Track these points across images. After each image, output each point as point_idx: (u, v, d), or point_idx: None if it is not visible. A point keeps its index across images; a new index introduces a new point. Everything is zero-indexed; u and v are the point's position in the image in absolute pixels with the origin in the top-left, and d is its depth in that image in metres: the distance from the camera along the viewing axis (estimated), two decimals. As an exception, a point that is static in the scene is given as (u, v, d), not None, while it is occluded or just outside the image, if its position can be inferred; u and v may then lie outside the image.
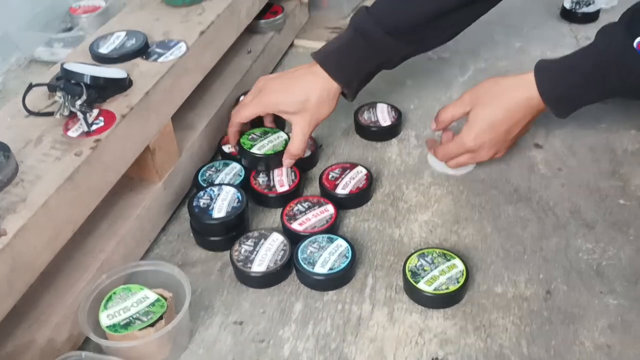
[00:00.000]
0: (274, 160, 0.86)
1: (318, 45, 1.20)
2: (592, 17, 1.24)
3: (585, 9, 1.24)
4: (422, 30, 0.85)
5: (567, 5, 1.25)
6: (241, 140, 0.87)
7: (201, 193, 0.80)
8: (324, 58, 0.85)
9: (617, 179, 0.87)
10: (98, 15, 1.22)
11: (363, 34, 0.84)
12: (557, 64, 0.80)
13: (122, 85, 0.74)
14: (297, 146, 0.84)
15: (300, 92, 0.83)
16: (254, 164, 0.86)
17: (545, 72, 0.79)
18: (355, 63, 0.85)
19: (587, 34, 1.21)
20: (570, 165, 0.90)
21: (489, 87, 0.83)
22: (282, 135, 0.89)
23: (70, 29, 1.26)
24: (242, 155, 0.87)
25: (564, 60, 0.80)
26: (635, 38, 0.73)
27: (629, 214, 0.82)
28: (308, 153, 0.91)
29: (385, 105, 1.00)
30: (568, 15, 1.25)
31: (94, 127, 0.69)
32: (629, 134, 0.95)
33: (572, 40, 1.20)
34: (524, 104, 0.80)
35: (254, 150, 0.85)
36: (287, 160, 0.85)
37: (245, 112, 0.85)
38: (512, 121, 0.81)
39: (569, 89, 0.79)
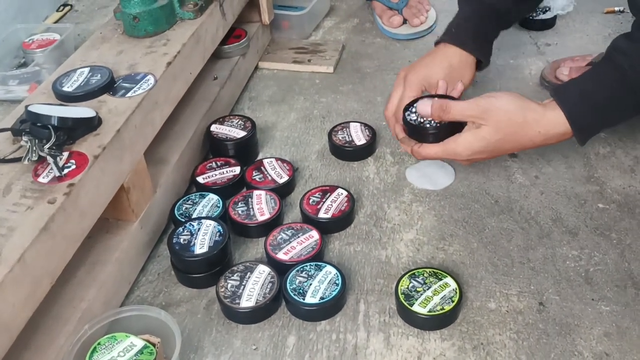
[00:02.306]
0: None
1: (283, 66, 1.20)
2: (550, 23, 1.27)
3: (542, 16, 1.26)
4: None
5: (525, 13, 1.28)
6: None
7: (180, 229, 0.78)
8: (449, 37, 0.92)
9: (593, 183, 0.88)
10: (54, 49, 1.19)
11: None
12: (584, 93, 0.75)
13: (91, 125, 0.71)
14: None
15: (442, 60, 0.90)
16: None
17: (574, 103, 0.74)
18: (479, 39, 0.92)
19: (546, 40, 1.23)
20: (546, 172, 0.91)
21: (511, 114, 0.75)
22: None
23: (24, 65, 1.22)
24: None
25: (588, 85, 0.76)
26: None
27: (609, 217, 0.83)
28: (285, 179, 0.89)
29: (358, 124, 0.99)
30: (526, 23, 1.28)
31: (66, 170, 0.66)
32: (599, 137, 0.96)
33: (533, 47, 1.22)
34: (541, 139, 0.76)
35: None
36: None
37: (403, 100, 0.87)
38: (519, 150, 0.81)
39: (601, 119, 0.76)
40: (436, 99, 0.80)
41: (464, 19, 0.94)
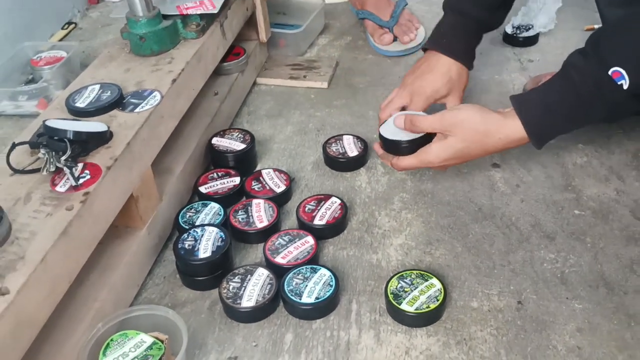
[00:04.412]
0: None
1: (280, 82, 1.26)
2: (533, 40, 1.33)
3: (525, 34, 1.33)
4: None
5: (509, 30, 1.34)
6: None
7: (185, 235, 0.83)
8: (442, 48, 1.02)
9: (570, 192, 0.94)
10: (61, 66, 1.24)
11: (461, 13, 1.02)
12: (540, 103, 0.82)
13: (103, 138, 0.77)
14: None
15: (443, 73, 1.00)
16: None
17: (530, 112, 0.82)
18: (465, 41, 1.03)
19: (529, 57, 1.30)
20: (527, 181, 0.97)
21: (474, 124, 0.83)
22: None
23: (32, 81, 1.27)
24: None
25: (544, 96, 0.82)
26: (608, 67, 0.77)
27: (584, 223, 0.89)
28: (282, 188, 0.95)
29: (351, 137, 1.05)
30: (510, 40, 1.34)
31: (81, 180, 0.71)
32: (576, 148, 1.03)
33: (516, 63, 1.28)
34: (503, 144, 0.84)
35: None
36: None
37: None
38: (485, 154, 0.87)
39: (554, 126, 0.83)
40: (407, 114, 0.90)
41: (451, 27, 1.04)
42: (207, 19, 1.02)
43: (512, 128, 0.83)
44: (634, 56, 0.77)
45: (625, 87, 0.77)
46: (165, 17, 0.97)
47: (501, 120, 0.83)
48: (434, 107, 0.99)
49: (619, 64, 0.77)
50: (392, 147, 0.90)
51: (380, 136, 0.92)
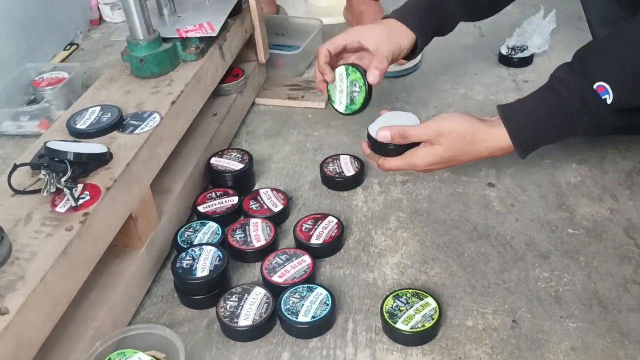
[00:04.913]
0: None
1: (278, 102, 1.28)
2: (527, 61, 1.35)
3: (520, 54, 1.35)
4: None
5: (504, 51, 1.36)
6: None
7: (183, 254, 0.84)
8: (399, 15, 1.00)
9: (564, 211, 0.95)
10: (63, 87, 1.26)
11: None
12: (526, 114, 0.84)
13: (103, 160, 0.78)
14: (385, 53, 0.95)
15: (386, 24, 0.99)
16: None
17: (516, 122, 0.84)
18: (421, 21, 1.00)
19: (524, 77, 1.32)
20: (521, 200, 0.98)
21: (461, 134, 0.85)
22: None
23: (34, 101, 1.29)
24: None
25: (530, 107, 0.85)
26: (593, 82, 0.79)
27: (578, 242, 0.90)
28: (280, 207, 0.96)
29: (348, 157, 1.06)
30: (505, 61, 1.36)
31: (81, 201, 0.72)
32: (570, 168, 1.04)
33: (511, 83, 1.30)
34: (488, 152, 0.86)
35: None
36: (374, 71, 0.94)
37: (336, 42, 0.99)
38: (470, 161, 0.89)
39: (539, 137, 0.86)
40: (394, 127, 0.89)
41: (411, 4, 1.02)
42: (207, 42, 1.04)
43: (498, 137, 0.85)
44: (619, 72, 0.79)
45: (609, 101, 0.79)
46: (165, 40, 0.99)
47: (487, 130, 0.85)
48: (419, 114, 1.00)
49: (604, 78, 0.79)
50: (380, 148, 0.92)
51: (369, 136, 0.93)
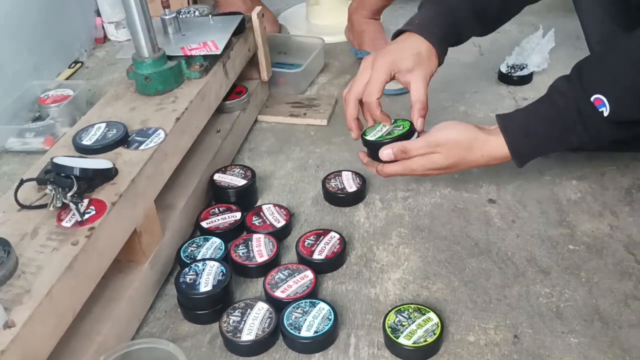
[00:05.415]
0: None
1: (280, 119, 1.29)
2: (527, 79, 1.37)
3: (519, 73, 1.37)
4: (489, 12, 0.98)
5: (504, 69, 1.38)
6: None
7: (186, 269, 0.85)
8: (414, 28, 0.94)
9: (565, 227, 0.96)
10: (68, 104, 1.27)
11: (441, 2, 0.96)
12: (524, 125, 0.86)
13: (109, 175, 0.79)
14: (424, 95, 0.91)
15: (412, 48, 0.92)
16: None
17: (514, 132, 0.86)
18: (443, 39, 0.95)
19: (523, 95, 1.33)
20: (522, 217, 0.99)
21: (460, 144, 0.87)
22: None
23: (39, 118, 1.31)
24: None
25: (528, 118, 0.86)
26: (590, 95, 0.80)
27: (579, 258, 0.90)
28: (282, 223, 0.97)
29: (350, 173, 1.07)
30: (505, 79, 1.38)
31: (86, 216, 0.73)
32: (570, 184, 1.05)
33: (511, 101, 1.31)
34: (485, 160, 0.88)
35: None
36: (420, 119, 0.92)
37: (373, 84, 0.92)
38: (467, 168, 0.91)
39: (536, 147, 0.87)
40: (394, 143, 0.90)
41: (427, 14, 0.97)
42: (211, 60, 1.06)
43: (496, 147, 0.86)
44: (615, 85, 0.80)
45: (605, 114, 0.80)
46: (170, 58, 1.01)
47: (486, 138, 0.87)
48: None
49: (601, 91, 0.80)
50: (378, 155, 0.92)
51: (365, 143, 0.94)
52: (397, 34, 0.97)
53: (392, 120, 0.95)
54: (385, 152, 0.91)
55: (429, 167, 0.89)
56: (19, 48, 1.41)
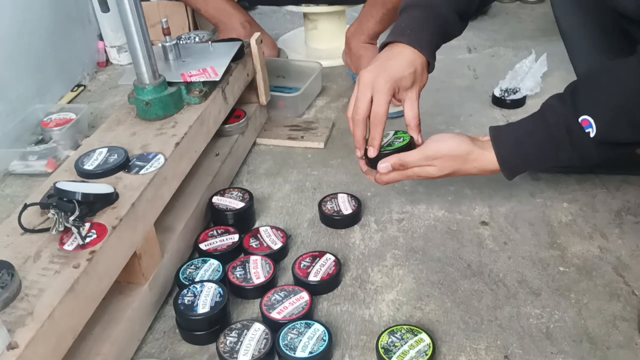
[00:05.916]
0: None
1: (278, 142, 1.32)
2: (520, 102, 1.40)
3: (513, 96, 1.39)
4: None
5: (497, 93, 1.41)
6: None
7: (185, 291, 0.87)
8: (407, 39, 0.94)
9: (555, 249, 0.98)
10: (70, 127, 1.30)
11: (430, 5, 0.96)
12: (515, 139, 0.88)
13: (110, 199, 0.82)
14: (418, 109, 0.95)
15: (408, 63, 0.93)
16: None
17: (505, 146, 0.89)
18: (433, 46, 0.96)
19: (517, 118, 1.33)
20: (514, 239, 1.01)
21: (455, 157, 0.90)
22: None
23: (41, 141, 1.33)
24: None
25: (519, 133, 0.89)
26: (579, 115, 0.83)
27: (569, 279, 0.92)
28: (279, 245, 0.99)
29: (345, 195, 1.10)
30: (499, 102, 1.41)
31: (88, 239, 0.75)
32: (561, 207, 1.07)
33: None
34: (477, 171, 0.91)
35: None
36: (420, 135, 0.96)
37: (380, 106, 0.92)
38: (459, 176, 0.94)
39: (525, 162, 0.90)
40: (392, 156, 0.93)
41: (415, 20, 0.96)
42: (210, 86, 1.09)
43: (487, 160, 0.90)
44: (604, 107, 0.82)
45: (592, 135, 0.82)
46: (170, 84, 1.04)
47: (479, 152, 0.90)
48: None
49: (589, 113, 0.82)
50: (376, 163, 0.95)
51: (366, 154, 0.97)
52: (387, 43, 0.96)
53: (394, 132, 0.99)
54: (383, 166, 0.94)
55: (424, 176, 0.93)
56: (22, 71, 1.44)
